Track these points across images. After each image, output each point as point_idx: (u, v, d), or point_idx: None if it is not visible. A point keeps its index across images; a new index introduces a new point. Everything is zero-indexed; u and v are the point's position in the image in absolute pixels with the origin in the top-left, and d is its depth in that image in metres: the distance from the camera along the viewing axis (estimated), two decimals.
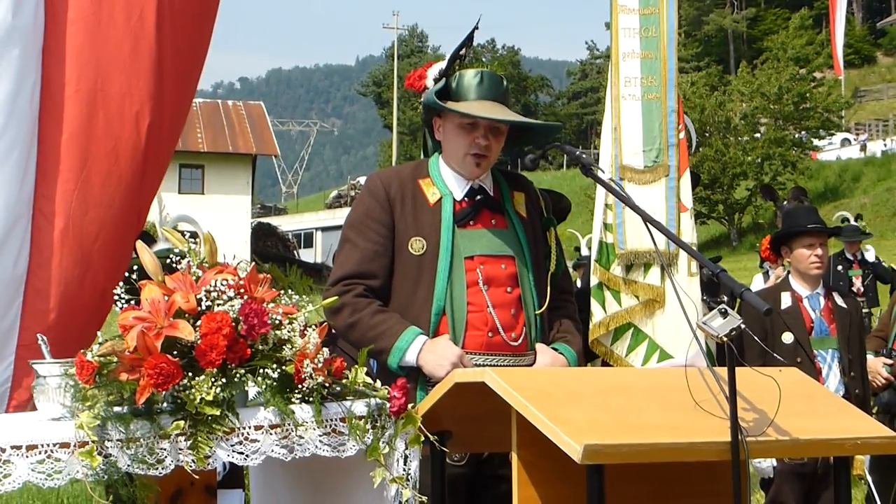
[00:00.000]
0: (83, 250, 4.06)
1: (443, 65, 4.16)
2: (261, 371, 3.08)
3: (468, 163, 4.04)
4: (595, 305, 5.57)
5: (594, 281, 5.63)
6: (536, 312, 4.06)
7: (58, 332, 3.90)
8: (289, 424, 3.10)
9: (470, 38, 4.18)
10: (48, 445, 2.86)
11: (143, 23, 4.15)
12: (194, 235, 4.03)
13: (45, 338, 3.41)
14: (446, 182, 4.09)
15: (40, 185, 4.03)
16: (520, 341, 3.99)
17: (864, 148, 52.24)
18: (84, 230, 4.06)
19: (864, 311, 10.98)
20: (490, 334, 3.94)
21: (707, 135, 41.83)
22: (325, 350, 3.25)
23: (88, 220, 4.06)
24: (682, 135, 5.66)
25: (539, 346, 4.03)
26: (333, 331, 3.97)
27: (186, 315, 3.06)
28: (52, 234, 4.02)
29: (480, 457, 3.98)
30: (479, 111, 3.97)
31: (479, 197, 4.10)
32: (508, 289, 4.01)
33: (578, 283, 14.67)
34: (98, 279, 4.07)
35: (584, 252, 16.90)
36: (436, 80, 4.13)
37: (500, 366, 3.89)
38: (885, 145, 52.38)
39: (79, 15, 4.07)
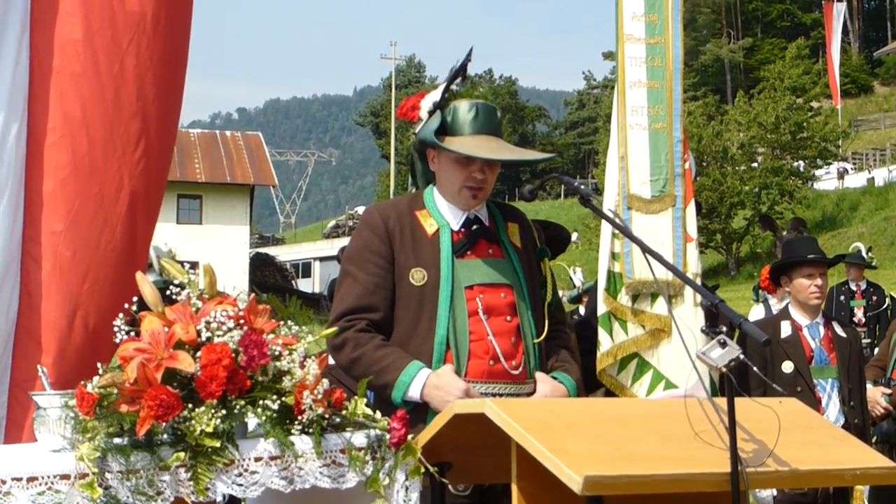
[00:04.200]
0: (71, 291, 4.08)
1: (436, 96, 4.17)
2: (261, 402, 3.08)
3: (464, 195, 4.07)
4: (603, 334, 5.54)
5: (602, 310, 5.60)
6: (535, 341, 4.08)
7: (49, 371, 3.91)
8: (289, 456, 3.10)
9: (463, 69, 4.21)
10: (49, 477, 2.86)
11: (124, 72, 4.22)
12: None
13: (45, 369, 3.41)
14: (442, 213, 4.12)
15: (28, 227, 4.07)
16: (520, 370, 4.00)
17: (841, 176, 52.21)
18: (72, 271, 4.08)
19: (864, 341, 10.91)
20: (492, 362, 3.95)
21: (704, 164, 41.91)
22: (325, 381, 3.25)
23: (76, 260, 4.09)
24: (687, 165, 5.67)
25: (539, 375, 4.05)
26: (336, 366, 3.97)
27: (186, 346, 3.07)
28: (40, 276, 4.05)
29: (483, 486, 3.99)
30: (475, 148, 4.00)
31: (475, 227, 4.13)
32: (508, 318, 4.03)
33: (582, 311, 14.71)
34: (88, 320, 4.08)
35: (577, 282, 16.93)
36: (430, 112, 4.15)
37: (503, 394, 3.90)
38: (870, 173, 52.45)
39: (64, 64, 4.14)
